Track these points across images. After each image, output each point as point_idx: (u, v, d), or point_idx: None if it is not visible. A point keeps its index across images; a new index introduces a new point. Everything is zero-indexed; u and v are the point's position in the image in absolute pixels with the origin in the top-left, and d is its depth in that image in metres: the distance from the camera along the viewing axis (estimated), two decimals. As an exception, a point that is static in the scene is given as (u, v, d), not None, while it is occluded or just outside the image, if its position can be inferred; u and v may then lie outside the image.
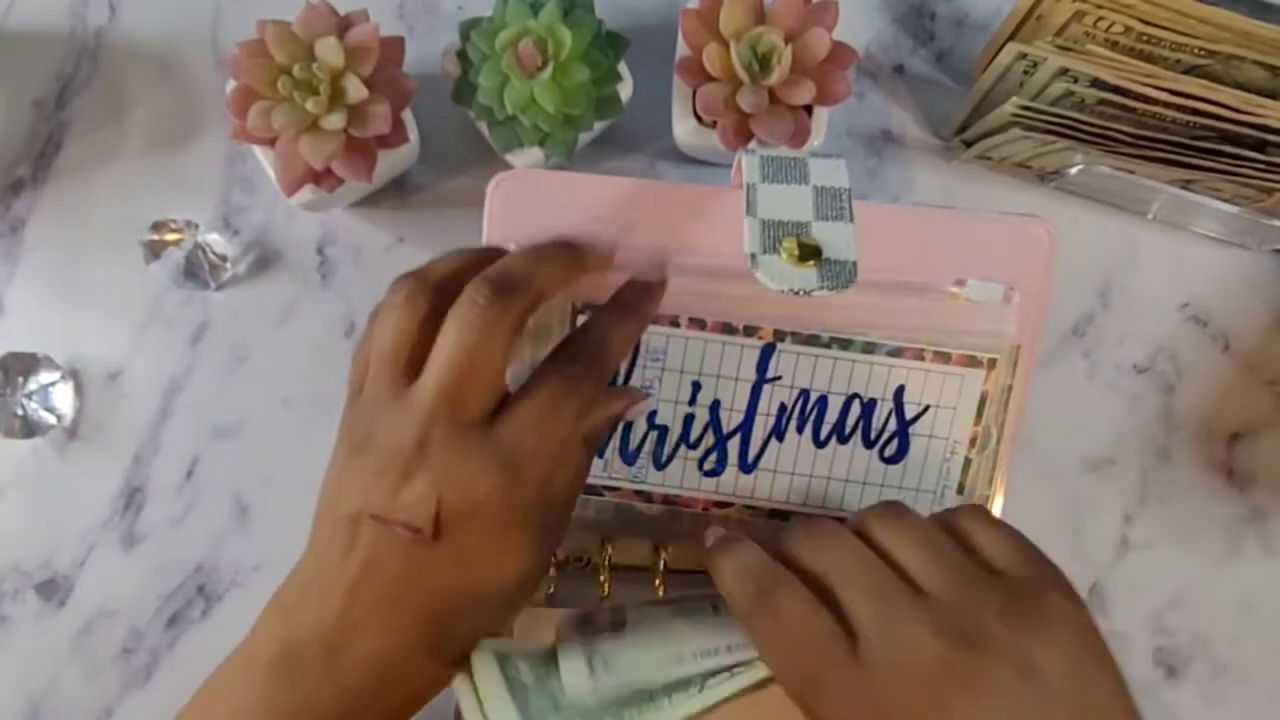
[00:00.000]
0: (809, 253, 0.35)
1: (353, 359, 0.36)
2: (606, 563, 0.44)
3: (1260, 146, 0.45)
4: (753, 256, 0.35)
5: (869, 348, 0.43)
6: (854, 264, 0.36)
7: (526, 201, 0.44)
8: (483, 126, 0.47)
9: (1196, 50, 0.45)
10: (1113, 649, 0.31)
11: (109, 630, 0.50)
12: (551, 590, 0.45)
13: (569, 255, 0.36)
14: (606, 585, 0.44)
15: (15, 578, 0.50)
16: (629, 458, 0.44)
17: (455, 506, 0.31)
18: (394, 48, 0.46)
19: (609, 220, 0.43)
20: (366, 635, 0.31)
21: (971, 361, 0.43)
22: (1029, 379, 0.44)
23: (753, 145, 0.47)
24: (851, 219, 0.36)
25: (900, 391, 0.44)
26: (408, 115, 0.47)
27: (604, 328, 0.36)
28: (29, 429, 0.49)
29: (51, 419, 0.49)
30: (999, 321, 0.43)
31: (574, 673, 0.33)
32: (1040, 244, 0.44)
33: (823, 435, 0.44)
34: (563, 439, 0.33)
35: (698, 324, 0.43)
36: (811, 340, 0.43)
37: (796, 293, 0.35)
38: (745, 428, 0.44)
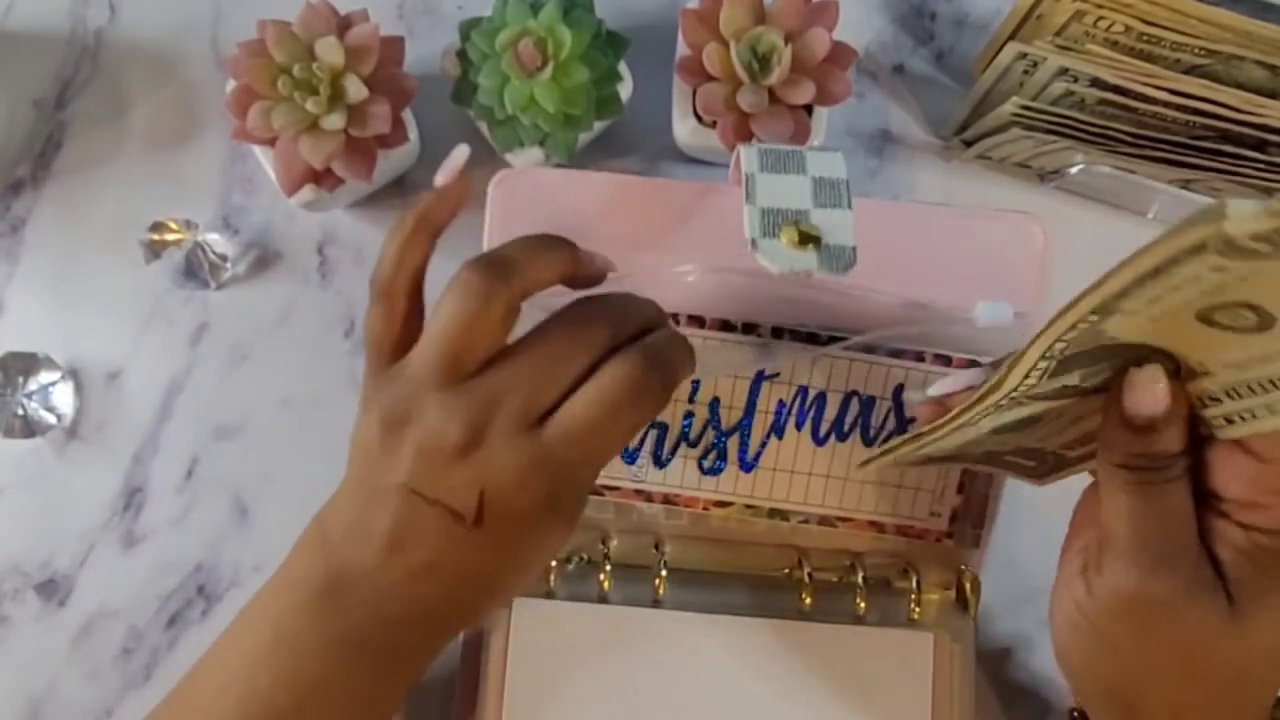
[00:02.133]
0: (809, 239, 0.35)
1: (371, 326, 0.35)
2: (606, 560, 0.44)
3: (1260, 146, 0.45)
4: (753, 241, 0.36)
5: (869, 348, 0.43)
6: (853, 249, 0.36)
7: (527, 200, 0.44)
8: (483, 126, 0.47)
9: (1197, 50, 0.45)
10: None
11: (109, 630, 0.50)
12: (550, 587, 0.45)
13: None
14: (606, 582, 0.44)
15: (15, 578, 0.50)
16: (629, 457, 0.44)
17: (499, 502, 0.32)
18: (394, 48, 0.46)
19: (609, 217, 0.43)
20: (407, 587, 0.33)
21: (972, 364, 0.43)
22: None
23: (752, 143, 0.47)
24: (850, 206, 0.36)
25: (899, 390, 0.44)
26: (408, 115, 0.47)
27: (678, 350, 0.34)
28: (29, 429, 0.49)
29: (51, 419, 0.49)
30: (1003, 331, 0.43)
31: None
32: (1035, 242, 0.44)
33: (822, 433, 0.44)
34: (613, 451, 0.34)
35: (696, 321, 0.43)
36: (811, 339, 0.43)
37: (797, 274, 0.35)
38: (744, 425, 0.44)
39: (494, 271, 0.32)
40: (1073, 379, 0.30)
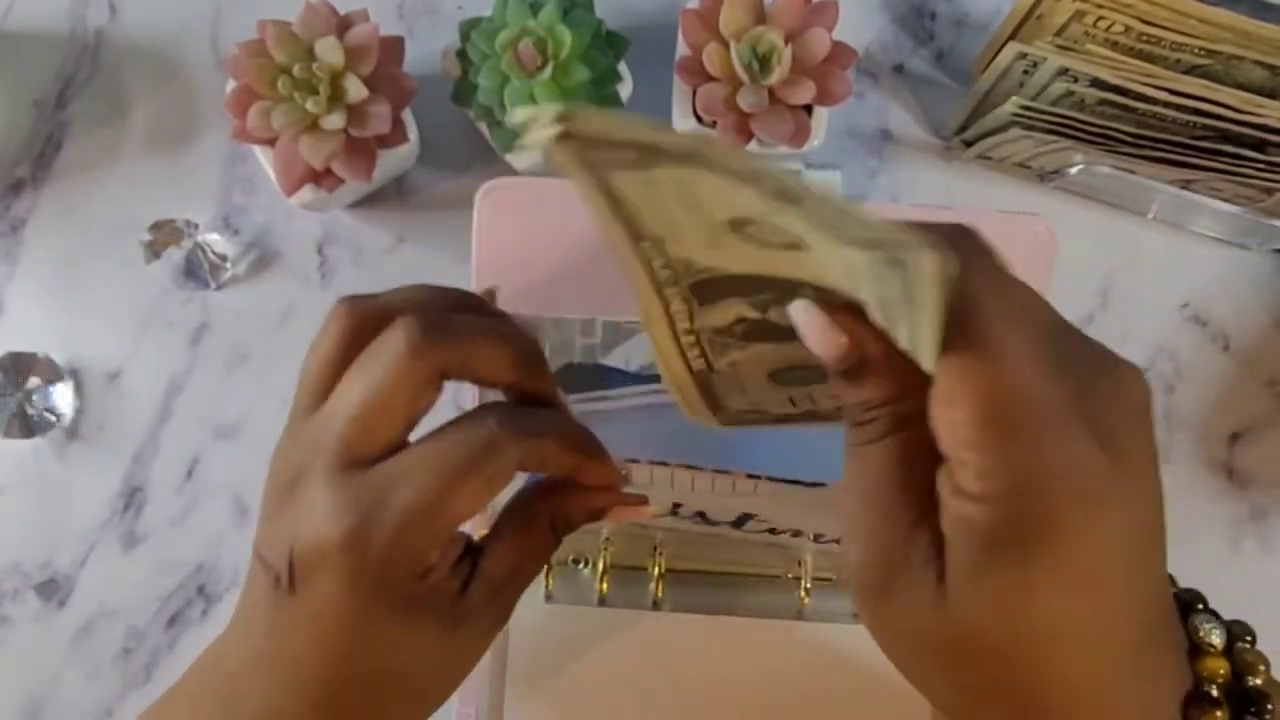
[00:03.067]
0: None
1: None
2: (604, 563, 0.44)
3: (1260, 146, 0.45)
4: None
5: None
6: None
7: (515, 208, 0.44)
8: (483, 126, 0.47)
9: (1197, 50, 0.45)
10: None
11: (109, 630, 0.50)
12: (548, 590, 0.44)
13: (523, 355, 0.29)
14: (605, 585, 0.44)
15: (15, 578, 0.50)
16: None
17: (306, 554, 0.26)
18: (394, 48, 0.46)
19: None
20: (250, 681, 0.28)
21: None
22: None
23: (751, 147, 0.47)
24: None
25: None
26: (408, 115, 0.47)
27: (544, 420, 0.29)
28: (29, 429, 0.49)
29: (51, 419, 0.49)
30: None
31: None
32: (1041, 242, 0.44)
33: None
34: (447, 513, 0.27)
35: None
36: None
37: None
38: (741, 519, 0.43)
39: (428, 337, 0.27)
40: (741, 309, 0.26)
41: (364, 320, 0.28)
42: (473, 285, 0.45)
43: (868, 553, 0.24)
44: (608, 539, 0.45)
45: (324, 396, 0.28)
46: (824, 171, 0.37)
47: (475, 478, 0.27)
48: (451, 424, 0.28)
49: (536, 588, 0.44)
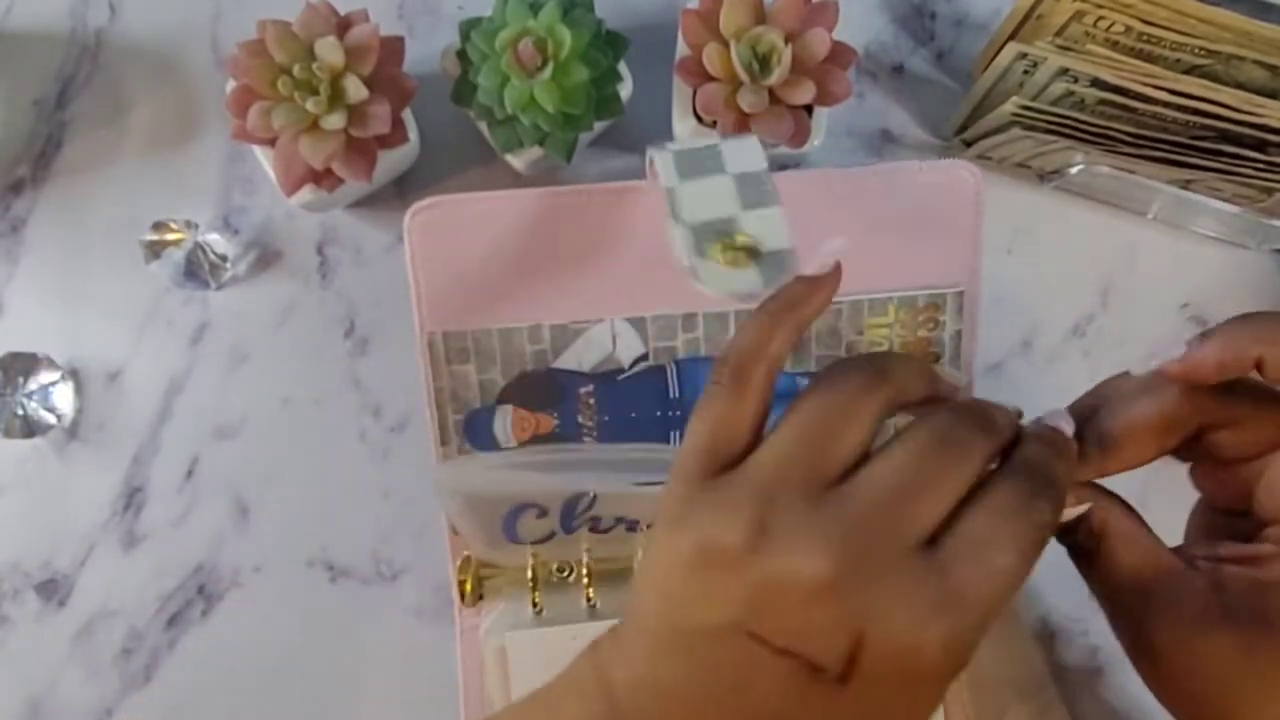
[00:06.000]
0: (745, 253, 0.34)
1: (712, 417, 0.29)
2: (586, 570, 0.44)
3: (1260, 146, 0.45)
4: (692, 269, 0.34)
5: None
6: (791, 250, 0.34)
7: (448, 228, 0.44)
8: (483, 126, 0.47)
9: (1196, 50, 0.45)
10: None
11: (109, 630, 0.50)
12: (535, 601, 0.44)
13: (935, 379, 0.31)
14: (590, 589, 0.44)
15: (15, 578, 0.50)
16: (568, 526, 0.44)
17: (885, 651, 0.25)
18: (394, 48, 0.46)
19: (534, 233, 0.44)
20: None
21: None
22: (976, 322, 0.46)
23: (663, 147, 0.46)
24: (777, 201, 0.35)
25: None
26: (408, 115, 0.47)
27: (1061, 462, 0.30)
28: (29, 429, 0.49)
29: (51, 419, 0.49)
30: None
31: None
32: (966, 186, 0.45)
33: None
34: (1017, 584, 0.26)
35: None
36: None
37: (742, 298, 0.33)
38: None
39: (871, 368, 0.28)
40: None
41: (884, 403, 0.29)
42: (413, 310, 0.45)
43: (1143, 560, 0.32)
44: (589, 548, 0.44)
45: (833, 469, 0.27)
46: (740, 139, 0.37)
47: (1036, 554, 0.27)
48: (1003, 482, 0.28)
49: (524, 607, 0.43)
